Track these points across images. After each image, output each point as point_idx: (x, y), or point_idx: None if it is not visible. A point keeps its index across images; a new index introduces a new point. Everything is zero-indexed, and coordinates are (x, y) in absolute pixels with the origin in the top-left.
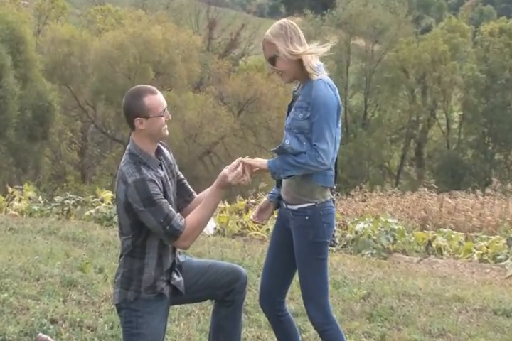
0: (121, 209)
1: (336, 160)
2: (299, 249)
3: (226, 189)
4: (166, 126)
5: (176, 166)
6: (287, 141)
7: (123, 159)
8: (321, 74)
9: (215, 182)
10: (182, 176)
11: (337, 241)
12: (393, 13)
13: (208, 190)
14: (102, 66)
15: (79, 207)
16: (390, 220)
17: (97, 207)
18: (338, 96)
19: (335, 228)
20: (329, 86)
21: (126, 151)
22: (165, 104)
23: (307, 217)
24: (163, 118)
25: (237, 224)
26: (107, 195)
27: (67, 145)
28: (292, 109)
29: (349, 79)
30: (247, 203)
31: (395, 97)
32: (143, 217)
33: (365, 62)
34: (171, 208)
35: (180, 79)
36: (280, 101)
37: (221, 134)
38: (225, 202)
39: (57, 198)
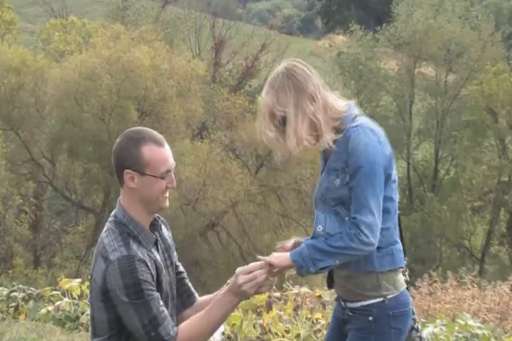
0: (97, 297)
1: (400, 225)
2: None
3: (242, 298)
4: (167, 195)
5: (175, 253)
6: (320, 227)
7: (105, 228)
8: (355, 117)
9: (227, 287)
10: (182, 268)
11: None
12: (475, 29)
13: (218, 293)
14: (65, 104)
15: (31, 303)
16: (471, 323)
17: (58, 303)
18: (385, 141)
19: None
20: (371, 131)
21: (110, 218)
22: (172, 163)
23: (371, 318)
24: (164, 183)
25: (254, 327)
26: (72, 285)
27: (14, 215)
28: (323, 174)
29: (413, 122)
30: (269, 297)
31: (478, 149)
32: (122, 313)
33: (436, 99)
34: (163, 308)
35: (174, 122)
36: (316, 154)
37: (232, 200)
38: None
39: (1, 290)
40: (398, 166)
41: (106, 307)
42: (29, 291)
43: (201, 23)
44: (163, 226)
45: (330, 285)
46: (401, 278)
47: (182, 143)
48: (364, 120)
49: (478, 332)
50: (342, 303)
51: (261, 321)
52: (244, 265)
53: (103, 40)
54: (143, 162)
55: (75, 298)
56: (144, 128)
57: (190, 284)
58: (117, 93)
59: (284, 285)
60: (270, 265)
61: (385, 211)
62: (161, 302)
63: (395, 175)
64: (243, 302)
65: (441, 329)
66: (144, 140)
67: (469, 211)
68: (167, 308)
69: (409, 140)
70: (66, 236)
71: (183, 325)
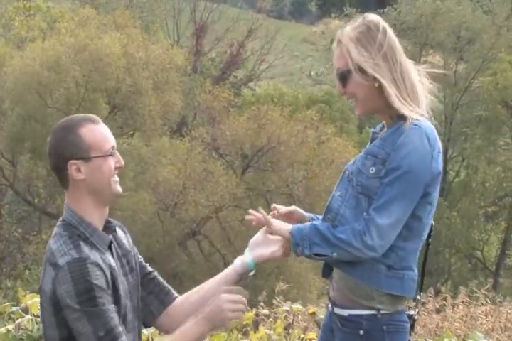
0: (47, 311)
1: (426, 256)
2: None
3: (217, 327)
4: (117, 179)
5: (139, 257)
6: (337, 204)
7: (52, 233)
8: (420, 117)
9: (202, 312)
10: (150, 268)
11: None
12: (488, 12)
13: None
14: (26, 98)
15: None
16: None
17: (19, 321)
18: (439, 158)
19: None
20: (428, 139)
21: (58, 222)
22: (113, 139)
23: (361, 332)
24: (111, 161)
25: None
26: (35, 301)
27: None
28: (362, 154)
29: None
30: (257, 315)
31: (492, 148)
32: (74, 324)
33: (445, 92)
34: (118, 322)
35: (150, 117)
36: (309, 154)
37: (216, 205)
38: None
39: None
40: None
41: (57, 322)
42: None
43: (180, 6)
44: (119, 230)
45: (326, 273)
46: (402, 302)
47: (159, 141)
48: (426, 124)
49: None
50: (330, 307)
51: None
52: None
53: (69, 26)
54: (85, 145)
55: (38, 316)
56: (71, 115)
57: (164, 281)
58: (85, 85)
59: (274, 302)
60: (268, 226)
61: (407, 228)
62: (117, 316)
63: (434, 198)
64: None
65: None
66: (79, 123)
67: (482, 218)
68: (124, 321)
69: None
70: (28, 245)
71: None
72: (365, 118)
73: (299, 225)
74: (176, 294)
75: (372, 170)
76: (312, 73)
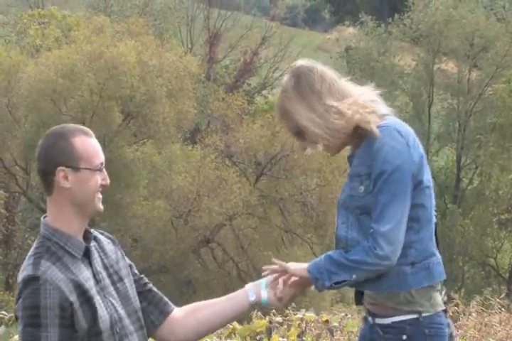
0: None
1: (436, 235)
2: None
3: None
4: (101, 196)
5: (134, 269)
6: (344, 231)
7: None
8: (382, 116)
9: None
10: (146, 279)
11: None
12: (501, 20)
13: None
14: (40, 105)
15: (2, 328)
16: None
17: None
18: (416, 144)
19: None
20: (398, 133)
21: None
22: (102, 156)
23: (405, 337)
24: (98, 177)
25: None
26: None
27: None
28: (347, 180)
29: (432, 125)
30: (270, 323)
31: (505, 155)
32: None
33: (458, 99)
34: None
35: (163, 125)
36: (323, 161)
37: (229, 212)
38: (234, 322)
39: None
40: None
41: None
42: (0, 315)
43: (194, 14)
44: (106, 241)
45: (358, 300)
46: (438, 297)
47: (172, 148)
48: (392, 120)
49: None
50: (370, 319)
51: None
52: (242, 285)
53: (84, 34)
54: (76, 155)
55: None
56: (65, 124)
57: (159, 292)
58: (99, 93)
59: (287, 310)
60: (285, 271)
61: (416, 220)
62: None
63: (428, 180)
64: (240, 327)
65: None
66: (72, 132)
67: (495, 225)
68: (116, 330)
69: (428, 145)
70: None
71: None
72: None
73: (315, 260)
74: (173, 305)
75: (361, 189)
76: None
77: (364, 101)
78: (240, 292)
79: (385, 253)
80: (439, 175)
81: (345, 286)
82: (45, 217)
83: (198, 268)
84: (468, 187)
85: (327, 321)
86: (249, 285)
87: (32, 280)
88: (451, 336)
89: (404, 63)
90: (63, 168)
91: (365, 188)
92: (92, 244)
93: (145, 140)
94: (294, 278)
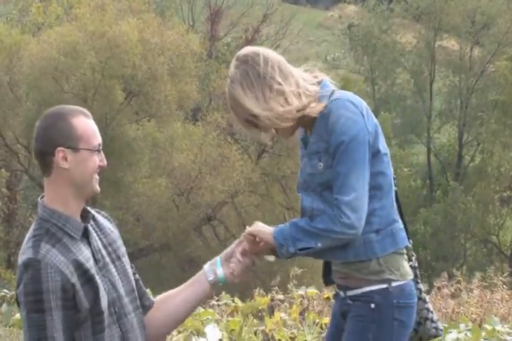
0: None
1: (398, 201)
2: None
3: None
4: (98, 178)
5: (124, 249)
6: (309, 202)
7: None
8: (332, 93)
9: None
10: (134, 269)
11: None
12: None
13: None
14: (42, 83)
15: (4, 306)
16: (499, 328)
17: None
18: (369, 114)
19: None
20: (351, 103)
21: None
22: (100, 137)
23: (373, 305)
24: (96, 158)
25: (255, 333)
26: None
27: None
28: (305, 159)
29: (434, 102)
30: (272, 300)
31: (507, 132)
32: (22, 325)
33: (460, 76)
34: (55, 332)
35: (165, 102)
36: None
37: (231, 190)
38: (236, 299)
39: None
40: (417, 151)
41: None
42: (2, 293)
43: None
44: (103, 220)
45: (327, 280)
46: (406, 265)
47: (174, 126)
48: (343, 93)
49: (508, 338)
50: (342, 293)
51: (263, 327)
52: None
53: (86, 12)
54: (76, 135)
55: None
56: (62, 105)
57: (142, 285)
58: (101, 71)
59: (289, 286)
60: (251, 235)
61: (378, 188)
62: (61, 330)
63: (384, 148)
64: (242, 304)
65: (465, 334)
66: (71, 113)
67: (497, 202)
68: (114, 310)
69: (430, 122)
70: None
71: None
72: (380, 102)
73: (280, 226)
74: (153, 299)
75: (321, 165)
76: (328, 58)
77: (306, 85)
78: (199, 274)
79: (351, 221)
80: (441, 152)
81: (310, 255)
82: (42, 198)
83: (200, 246)
84: (470, 165)
85: (329, 298)
86: (206, 266)
87: (32, 264)
88: (423, 300)
89: (406, 40)
90: (62, 148)
91: (325, 164)
92: (90, 223)
93: (147, 118)
94: (244, 247)
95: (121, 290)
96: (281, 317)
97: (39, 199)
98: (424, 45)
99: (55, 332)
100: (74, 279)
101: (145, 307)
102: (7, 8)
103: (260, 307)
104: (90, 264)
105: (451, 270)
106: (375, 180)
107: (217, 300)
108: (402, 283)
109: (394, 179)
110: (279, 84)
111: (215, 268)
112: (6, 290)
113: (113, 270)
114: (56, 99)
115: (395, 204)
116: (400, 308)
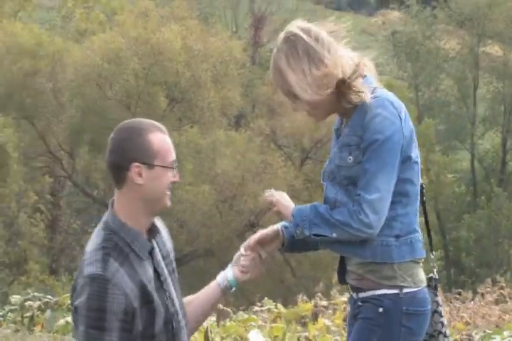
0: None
1: (425, 212)
2: None
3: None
4: (169, 193)
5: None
6: (333, 193)
7: (92, 235)
8: (374, 89)
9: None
10: None
11: None
12: None
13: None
14: (86, 90)
15: (48, 312)
16: None
17: None
18: (407, 118)
19: None
20: (391, 104)
21: (100, 224)
22: (174, 154)
23: (381, 309)
24: (170, 175)
25: (298, 339)
26: None
27: (28, 214)
28: (335, 149)
29: (478, 108)
30: (316, 306)
31: None
32: (76, 336)
33: (504, 82)
34: None
35: (208, 110)
36: None
37: None
38: (279, 305)
39: (14, 298)
40: (461, 157)
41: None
42: (45, 299)
43: None
44: (162, 228)
45: (341, 279)
46: (421, 273)
47: (218, 133)
48: (384, 92)
49: None
50: (354, 295)
51: (306, 333)
52: (287, 270)
53: (130, 18)
54: (152, 152)
55: None
56: (138, 118)
57: None
58: (145, 78)
59: (332, 293)
60: (271, 203)
61: (404, 194)
62: None
63: (416, 156)
64: (285, 311)
65: None
66: (148, 128)
67: None
68: (172, 326)
69: (474, 128)
70: (87, 237)
71: None
72: (424, 109)
73: (301, 206)
74: None
75: (350, 159)
76: None
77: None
78: (212, 282)
79: (369, 220)
80: (484, 159)
81: (327, 247)
82: (112, 204)
83: None
84: None
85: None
86: (219, 274)
87: (100, 280)
88: (438, 314)
89: (449, 47)
90: (138, 164)
91: (355, 158)
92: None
93: (190, 125)
94: (248, 242)
95: (177, 305)
96: (324, 324)
97: (109, 204)
98: (468, 51)
99: None
100: (136, 303)
101: None
102: (50, 14)
103: (303, 314)
104: (152, 285)
105: (494, 276)
106: (403, 187)
107: (261, 306)
108: (415, 290)
109: (423, 188)
110: (324, 62)
111: (225, 274)
112: (49, 296)
113: (170, 283)
114: (100, 106)
115: (418, 213)
116: (410, 315)
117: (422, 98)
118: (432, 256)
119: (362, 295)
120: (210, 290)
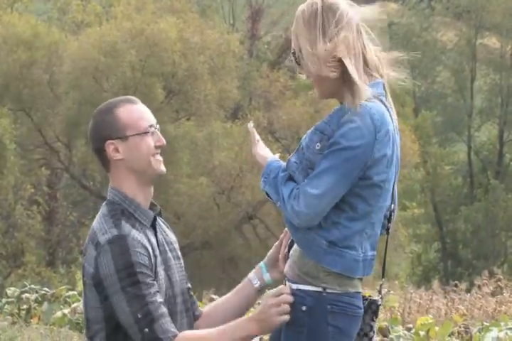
0: (90, 291)
1: (387, 241)
2: None
3: (264, 329)
4: (161, 158)
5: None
6: (294, 168)
7: (98, 214)
8: (374, 98)
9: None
10: (186, 278)
11: None
12: None
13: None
14: (82, 82)
15: (45, 305)
16: None
17: (75, 305)
18: (386, 142)
19: None
20: (371, 119)
21: (103, 204)
22: (152, 118)
23: (304, 308)
24: (149, 139)
25: None
26: None
27: (24, 207)
28: (312, 128)
29: (475, 100)
30: None
31: None
32: (116, 305)
33: (501, 74)
34: (160, 303)
35: (205, 102)
36: None
37: None
38: None
39: (10, 290)
40: (458, 149)
41: (101, 302)
42: (42, 292)
43: None
44: (163, 225)
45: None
46: (355, 284)
47: (215, 125)
48: (377, 105)
49: None
50: (286, 281)
51: None
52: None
53: (126, 11)
54: (121, 124)
55: None
56: (111, 99)
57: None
58: (141, 69)
59: None
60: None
61: (353, 208)
62: (159, 296)
63: (382, 181)
64: None
65: (506, 333)
66: (115, 104)
67: None
68: (168, 307)
69: (471, 120)
70: (84, 229)
71: (187, 332)
72: (421, 101)
73: (274, 160)
74: (200, 310)
75: (318, 146)
76: None
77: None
78: (245, 282)
79: (299, 210)
80: (481, 151)
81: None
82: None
83: (241, 245)
84: (511, 163)
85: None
86: (251, 274)
87: (119, 239)
88: (366, 336)
89: (447, 38)
90: (111, 141)
91: (321, 147)
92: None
93: (187, 117)
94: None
95: (177, 289)
96: None
97: (109, 187)
98: (465, 43)
99: (154, 296)
100: (152, 259)
101: (194, 316)
102: (47, 6)
103: None
104: (157, 253)
105: (491, 268)
106: (353, 200)
107: None
108: (339, 292)
109: (390, 218)
110: (333, 40)
111: (260, 275)
112: (46, 289)
113: (173, 266)
114: (96, 98)
115: (366, 236)
116: (335, 314)
117: (419, 90)
118: (381, 282)
119: (289, 284)
120: (245, 291)
